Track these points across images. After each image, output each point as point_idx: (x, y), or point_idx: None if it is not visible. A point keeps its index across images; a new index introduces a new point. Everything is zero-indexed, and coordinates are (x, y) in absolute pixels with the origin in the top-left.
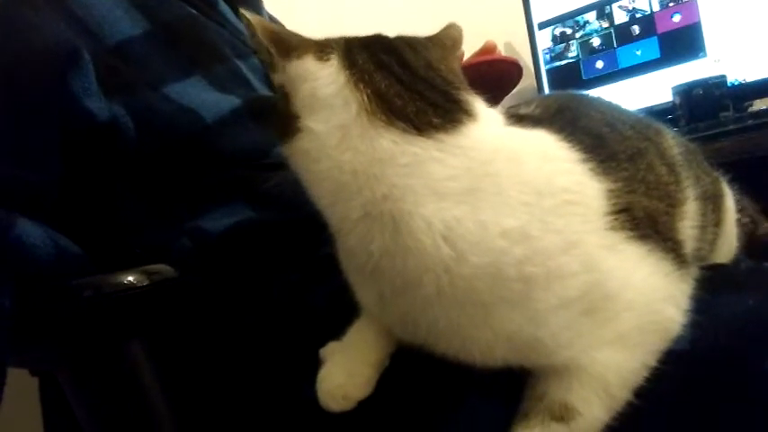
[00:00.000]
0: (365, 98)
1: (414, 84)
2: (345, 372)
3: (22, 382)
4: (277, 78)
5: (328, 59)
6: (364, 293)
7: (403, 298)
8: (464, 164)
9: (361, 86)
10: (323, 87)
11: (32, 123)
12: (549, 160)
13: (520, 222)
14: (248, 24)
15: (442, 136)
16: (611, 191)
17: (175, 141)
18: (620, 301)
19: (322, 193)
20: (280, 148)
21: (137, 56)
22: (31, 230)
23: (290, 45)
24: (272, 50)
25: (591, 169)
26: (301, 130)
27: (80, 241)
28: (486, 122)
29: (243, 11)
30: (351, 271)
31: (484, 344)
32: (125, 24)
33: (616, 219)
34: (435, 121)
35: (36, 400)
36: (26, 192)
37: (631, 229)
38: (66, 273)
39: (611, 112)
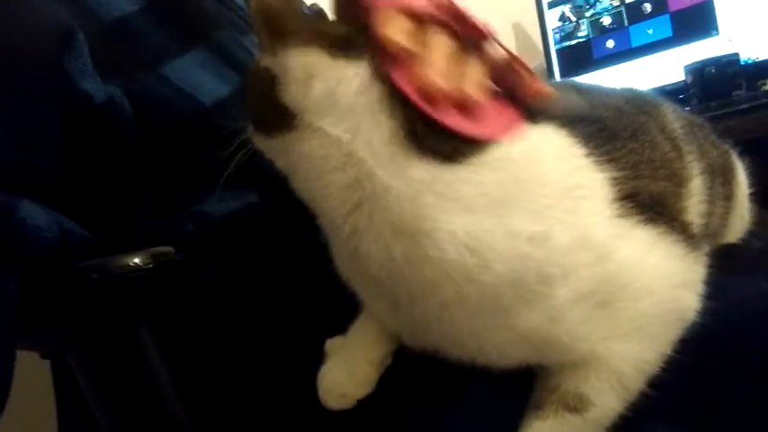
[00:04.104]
0: (400, 125)
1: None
2: (345, 370)
3: (35, 364)
4: (264, 60)
5: (350, 60)
6: (373, 300)
7: (419, 305)
8: (495, 177)
9: (397, 111)
10: (348, 95)
11: (30, 106)
12: (563, 159)
13: (544, 227)
14: None
15: (473, 159)
16: (616, 178)
17: (175, 124)
18: (636, 288)
19: (335, 202)
20: (258, 138)
21: (134, 33)
22: (35, 213)
23: (286, 27)
24: (262, 27)
25: (596, 160)
26: (304, 128)
27: (86, 225)
28: None
29: None
30: (357, 277)
31: (501, 346)
32: (122, 0)
33: (624, 205)
34: (465, 148)
35: (49, 382)
36: (29, 175)
37: (640, 213)
38: (72, 256)
39: (605, 94)
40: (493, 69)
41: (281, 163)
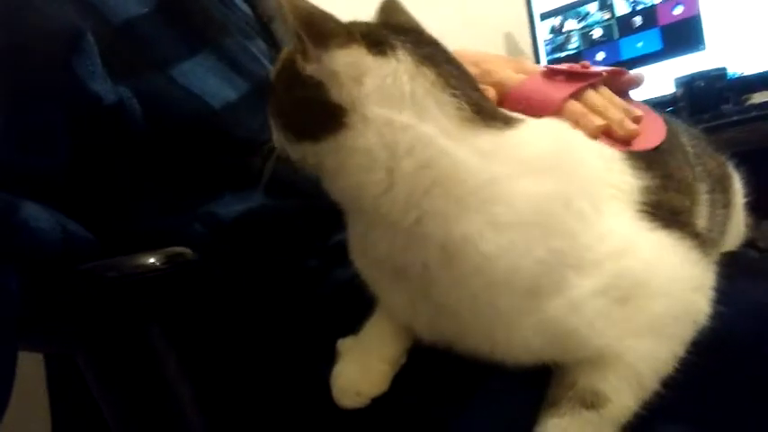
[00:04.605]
0: (464, 100)
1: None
2: (360, 368)
3: (30, 365)
4: (308, 68)
5: (389, 55)
6: (395, 295)
7: (458, 290)
8: (545, 143)
9: (454, 91)
10: (404, 83)
11: (36, 108)
12: (601, 156)
13: (588, 207)
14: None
15: (521, 125)
16: (647, 187)
17: (183, 125)
18: (653, 288)
19: (401, 191)
20: (300, 147)
21: (143, 35)
22: (37, 214)
23: (327, 31)
24: (304, 36)
25: (631, 165)
26: (359, 123)
27: (92, 224)
28: None
29: None
30: (385, 271)
31: (524, 336)
32: (130, 3)
33: (649, 212)
34: (511, 115)
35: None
36: (32, 176)
37: (661, 220)
38: (76, 258)
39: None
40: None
41: (328, 165)
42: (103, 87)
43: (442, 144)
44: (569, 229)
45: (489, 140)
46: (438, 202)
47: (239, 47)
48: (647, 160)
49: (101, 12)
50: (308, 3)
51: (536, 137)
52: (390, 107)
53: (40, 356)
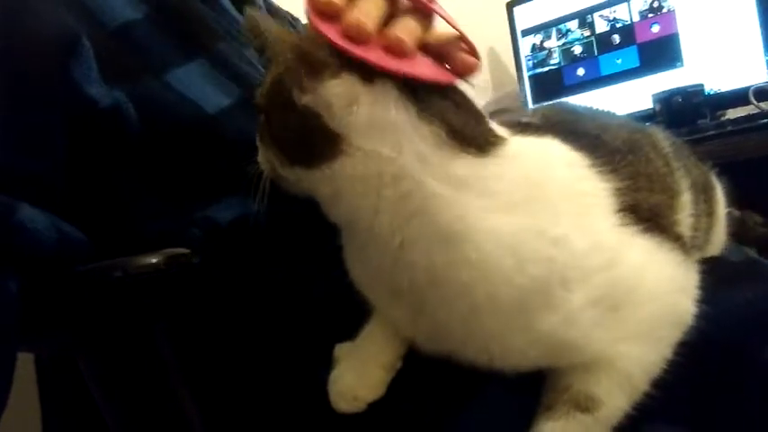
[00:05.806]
0: (439, 126)
1: (464, 104)
2: (356, 373)
3: (20, 364)
4: (304, 99)
5: (374, 83)
6: (392, 307)
7: (446, 309)
8: (519, 174)
9: (431, 114)
10: (388, 113)
11: (33, 111)
12: (571, 166)
13: (565, 229)
14: (266, 35)
15: (497, 151)
16: (619, 189)
17: (180, 129)
18: (641, 292)
19: (386, 217)
20: (293, 171)
21: (138, 40)
22: (33, 216)
23: (320, 62)
24: (301, 69)
25: (599, 171)
26: (354, 152)
27: (88, 227)
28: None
29: (250, 11)
30: (381, 285)
31: (521, 348)
32: (125, 8)
33: (626, 215)
34: (491, 138)
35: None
36: (29, 179)
37: (641, 223)
38: (70, 258)
39: (599, 116)
40: (434, 43)
41: (323, 191)
42: (99, 91)
43: (418, 177)
44: (546, 256)
45: (463, 167)
46: (417, 231)
47: (235, 52)
48: (611, 163)
49: (96, 16)
50: (297, 34)
51: (508, 166)
52: (377, 135)
53: (30, 354)
